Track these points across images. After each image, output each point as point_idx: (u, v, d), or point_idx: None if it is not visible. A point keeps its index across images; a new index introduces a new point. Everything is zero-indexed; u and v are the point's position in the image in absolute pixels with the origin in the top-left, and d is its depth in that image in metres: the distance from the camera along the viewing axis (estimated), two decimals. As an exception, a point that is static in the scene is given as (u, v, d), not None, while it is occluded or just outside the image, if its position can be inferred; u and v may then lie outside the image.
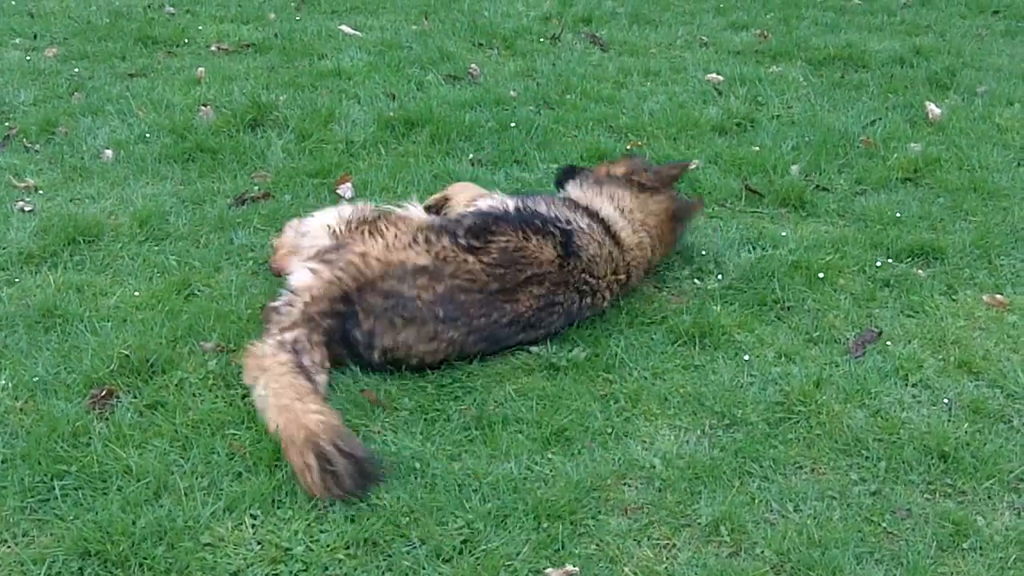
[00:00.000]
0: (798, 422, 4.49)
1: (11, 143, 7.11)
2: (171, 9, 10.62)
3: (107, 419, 4.34)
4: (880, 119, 7.73)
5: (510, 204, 5.29)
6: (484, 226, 5.00)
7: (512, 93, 8.18)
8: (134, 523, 3.78)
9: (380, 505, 3.94)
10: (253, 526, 3.85)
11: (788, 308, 5.33)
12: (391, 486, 4.03)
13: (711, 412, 4.55)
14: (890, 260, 5.76)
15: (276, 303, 4.77)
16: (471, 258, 4.84)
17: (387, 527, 3.85)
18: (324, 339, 4.62)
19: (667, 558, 3.81)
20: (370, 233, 4.90)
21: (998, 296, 5.44)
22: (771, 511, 4.02)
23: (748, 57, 9.36)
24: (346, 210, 5.19)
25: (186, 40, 9.53)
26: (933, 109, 7.85)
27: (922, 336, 5.12)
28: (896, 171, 6.85)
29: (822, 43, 9.67)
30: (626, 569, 3.75)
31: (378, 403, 4.50)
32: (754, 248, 5.90)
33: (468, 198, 5.61)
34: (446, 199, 5.77)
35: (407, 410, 4.50)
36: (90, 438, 4.21)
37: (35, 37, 9.54)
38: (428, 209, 5.55)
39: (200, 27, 9.92)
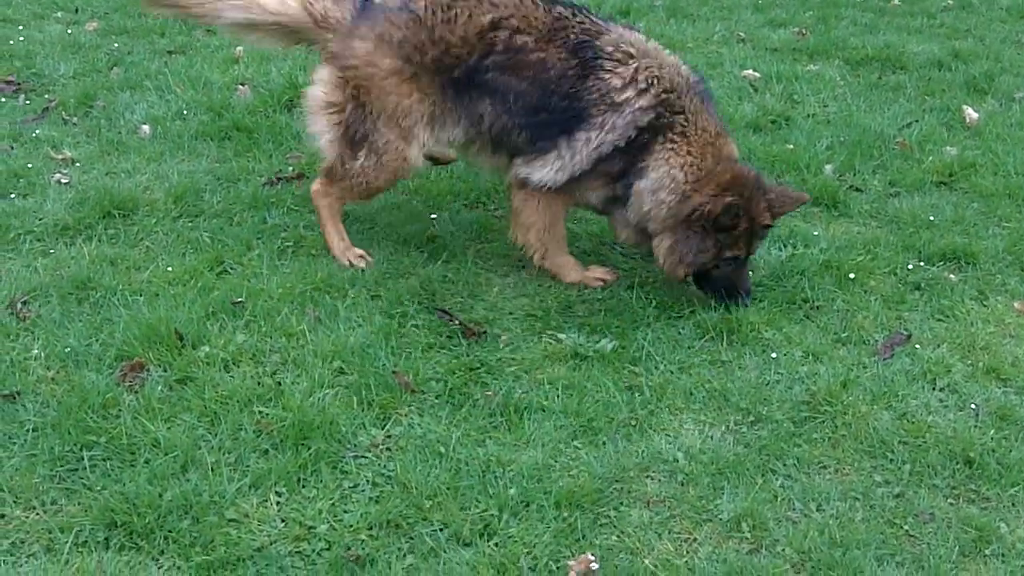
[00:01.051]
0: (823, 422, 4.49)
1: (50, 115, 7.17)
2: (211, -13, 10.66)
3: (137, 392, 4.39)
4: (916, 121, 7.69)
5: None
6: None
7: (548, 82, 8.18)
8: (160, 496, 3.82)
9: (404, 487, 3.97)
10: (278, 503, 3.89)
11: (817, 307, 5.33)
12: (416, 469, 4.05)
13: (736, 408, 4.56)
14: (922, 263, 5.74)
15: None
16: None
17: (410, 509, 3.88)
18: None
19: (688, 552, 3.83)
20: None
21: (1029, 303, 5.43)
22: (793, 509, 4.02)
23: (785, 55, 9.33)
24: None
25: (225, 18, 9.56)
26: (970, 113, 7.81)
27: (951, 341, 5.11)
28: (931, 174, 6.81)
29: (860, 43, 9.62)
30: (646, 561, 3.76)
31: (407, 386, 4.52)
32: (785, 246, 5.89)
33: None
34: None
35: (435, 393, 4.53)
36: (119, 410, 4.26)
37: (76, 11, 9.62)
38: None
39: (240, 6, 9.94)
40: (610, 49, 5.19)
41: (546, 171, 5.23)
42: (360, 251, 5.52)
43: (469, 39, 5.17)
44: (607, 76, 5.13)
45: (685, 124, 5.17)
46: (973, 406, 4.63)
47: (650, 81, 5.14)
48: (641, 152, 5.18)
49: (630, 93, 5.12)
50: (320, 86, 5.43)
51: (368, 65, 5.24)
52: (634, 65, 5.16)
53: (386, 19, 5.26)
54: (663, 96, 5.15)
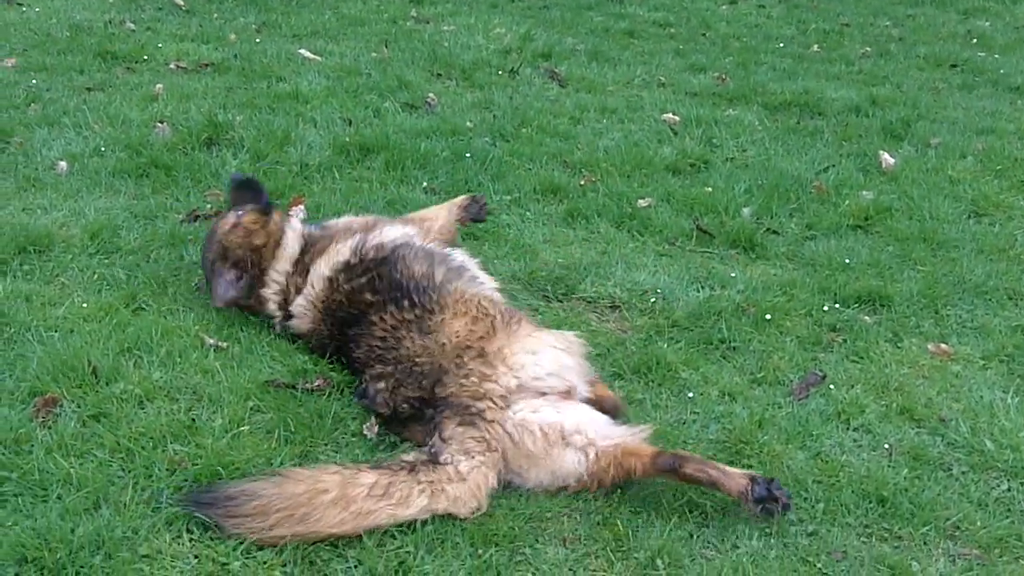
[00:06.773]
0: (739, 461, 4.51)
1: (-36, 150, 7.08)
2: (132, 25, 10.59)
3: (50, 427, 4.31)
4: (833, 166, 7.81)
5: None
6: None
7: (468, 124, 8.22)
8: (72, 531, 3.75)
9: (320, 525, 3.93)
10: (191, 540, 3.83)
11: (734, 348, 5.37)
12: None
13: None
14: (837, 305, 5.81)
15: None
16: None
17: (324, 547, 3.85)
18: None
19: (604, 589, 3.83)
20: None
21: (943, 345, 5.49)
22: (708, 547, 4.04)
23: (705, 99, 9.44)
24: None
25: (145, 57, 9.50)
26: (887, 158, 7.94)
27: (866, 382, 5.16)
28: (847, 218, 6.91)
29: (779, 88, 9.77)
30: (562, 598, 3.76)
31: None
32: (703, 287, 5.94)
33: None
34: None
35: (352, 431, 4.50)
36: (32, 445, 4.18)
37: (-6, 46, 9.52)
38: None
39: (160, 44, 9.90)
40: None
41: None
42: None
43: None
44: None
45: None
46: (886, 446, 4.68)
47: None
48: None
49: None
50: None
51: None
52: None
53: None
54: None
